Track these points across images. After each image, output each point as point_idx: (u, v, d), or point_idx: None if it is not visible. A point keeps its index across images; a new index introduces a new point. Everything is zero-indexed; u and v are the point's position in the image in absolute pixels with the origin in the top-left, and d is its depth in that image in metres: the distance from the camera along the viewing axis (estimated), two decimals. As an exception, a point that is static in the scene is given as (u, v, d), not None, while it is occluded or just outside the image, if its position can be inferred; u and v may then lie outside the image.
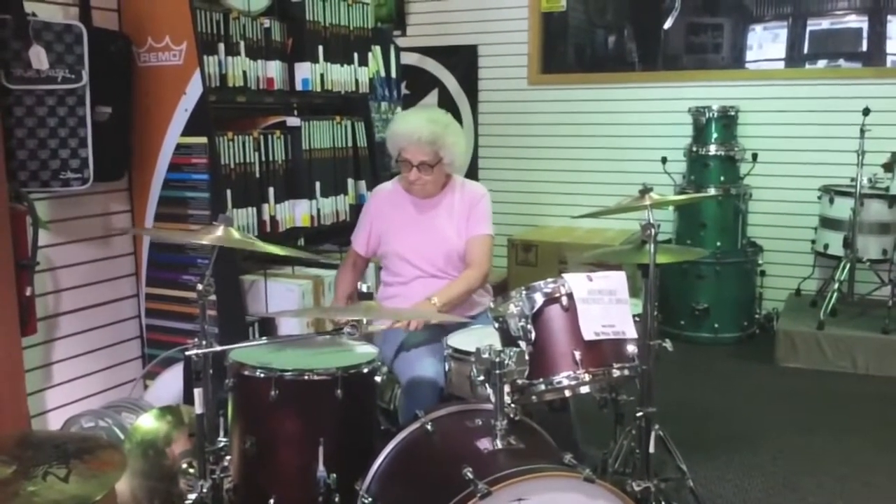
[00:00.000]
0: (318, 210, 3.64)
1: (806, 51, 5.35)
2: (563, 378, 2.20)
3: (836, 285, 4.62)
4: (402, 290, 3.04)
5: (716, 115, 5.01)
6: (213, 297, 2.22)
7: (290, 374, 2.27)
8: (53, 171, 2.87)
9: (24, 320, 2.78)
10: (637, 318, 2.34)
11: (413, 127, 2.95)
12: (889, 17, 5.11)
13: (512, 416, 2.10)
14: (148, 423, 2.75)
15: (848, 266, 4.60)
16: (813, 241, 4.92)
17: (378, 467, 2.20)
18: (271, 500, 2.26)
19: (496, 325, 2.32)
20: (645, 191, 2.66)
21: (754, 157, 5.00)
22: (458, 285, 2.95)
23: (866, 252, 4.60)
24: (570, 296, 2.22)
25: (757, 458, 3.44)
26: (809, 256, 5.04)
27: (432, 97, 5.98)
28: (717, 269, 4.95)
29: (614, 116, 5.56)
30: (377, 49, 4.50)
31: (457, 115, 5.68)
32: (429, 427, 2.20)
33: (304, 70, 3.56)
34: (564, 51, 5.96)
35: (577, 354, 2.19)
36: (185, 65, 3.12)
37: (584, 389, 2.26)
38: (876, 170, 4.49)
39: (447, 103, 5.87)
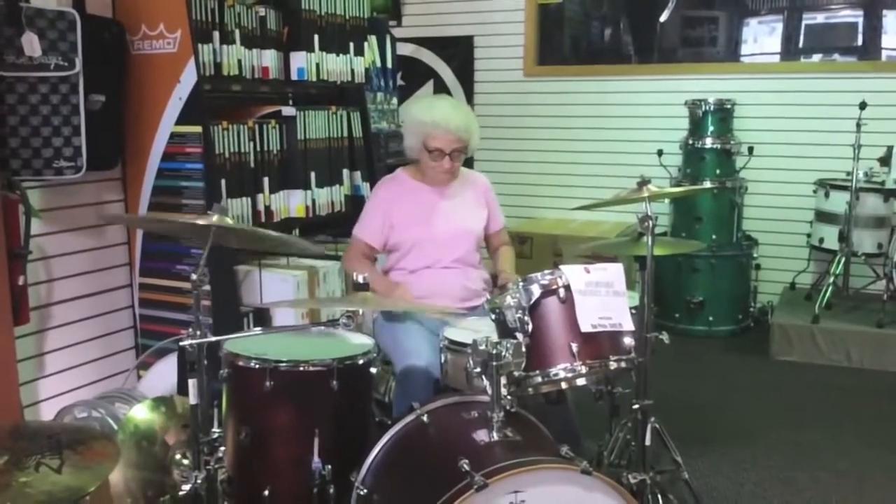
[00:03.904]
0: (314, 200, 3.62)
1: (801, 45, 5.35)
2: (559, 370, 2.19)
3: (831, 279, 4.63)
4: (409, 278, 3.01)
5: (712, 108, 5.01)
6: (207, 288, 2.21)
7: (284, 364, 2.26)
8: (46, 159, 2.84)
9: (17, 310, 2.76)
10: (633, 311, 2.32)
11: (446, 115, 2.93)
12: (884, 12, 5.11)
13: (508, 408, 2.09)
14: (142, 413, 2.73)
15: (843, 260, 4.60)
16: (808, 235, 4.92)
17: (373, 459, 2.19)
18: (266, 492, 2.24)
19: (493, 316, 2.31)
20: (643, 183, 2.64)
21: (750, 150, 5.00)
22: (511, 254, 3.19)
23: (861, 246, 4.60)
24: (567, 287, 2.21)
25: (751, 451, 3.45)
26: (804, 250, 5.04)
27: (427, 88, 5.96)
28: (712, 263, 4.94)
29: (610, 109, 5.55)
30: (373, 39, 4.48)
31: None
32: (424, 419, 2.19)
33: (299, 59, 3.54)
34: (560, 43, 5.95)
35: (574, 346, 2.18)
36: (179, 53, 3.09)
37: (581, 382, 2.25)
38: (872, 164, 4.50)
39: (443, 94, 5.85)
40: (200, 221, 2.18)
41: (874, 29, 5.15)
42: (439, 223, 3.02)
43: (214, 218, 2.19)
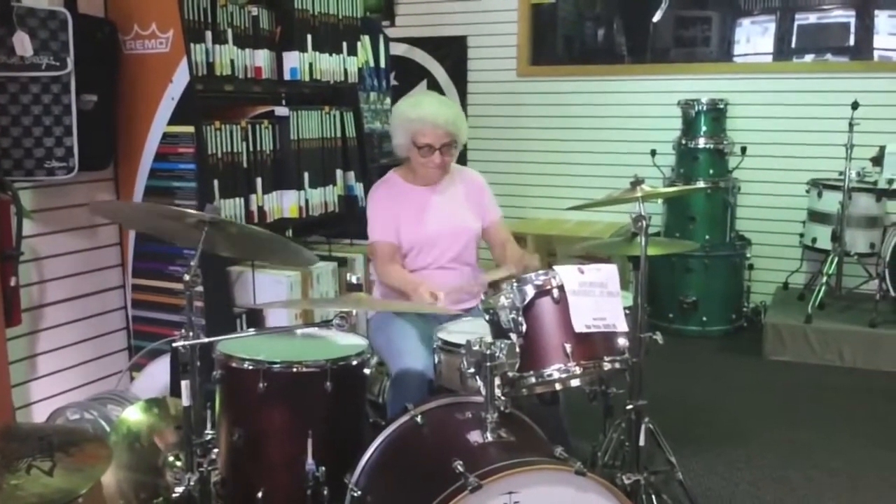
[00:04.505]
0: (307, 201, 3.61)
1: (794, 45, 5.36)
2: (553, 371, 2.18)
3: (824, 279, 4.63)
4: (422, 277, 2.99)
5: (705, 108, 5.01)
6: (200, 289, 2.20)
7: (278, 366, 2.25)
8: (38, 159, 2.83)
9: (9, 311, 2.74)
10: (627, 311, 2.32)
11: (433, 110, 2.93)
12: (876, 12, 5.12)
13: (502, 408, 2.09)
14: (134, 415, 2.72)
15: (836, 260, 4.61)
16: (801, 235, 4.93)
17: (367, 460, 2.18)
18: (259, 493, 2.24)
19: (487, 317, 2.30)
20: (636, 182, 2.64)
21: (743, 150, 5.00)
22: (518, 249, 3.12)
23: (854, 246, 4.61)
24: (561, 288, 2.20)
25: (745, 450, 3.45)
26: (797, 250, 5.05)
27: (421, 88, 5.95)
28: (705, 263, 4.95)
29: (603, 109, 5.55)
30: (366, 39, 4.46)
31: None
32: (418, 420, 2.18)
33: (292, 59, 3.53)
34: (554, 43, 5.95)
35: (568, 347, 2.17)
36: (171, 52, 3.08)
37: (575, 382, 2.24)
38: (864, 163, 4.51)
39: (436, 94, 5.84)
40: (192, 221, 2.17)
41: (866, 29, 5.16)
42: (433, 221, 3.02)
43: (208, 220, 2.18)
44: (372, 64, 4.61)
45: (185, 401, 2.14)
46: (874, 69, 5.02)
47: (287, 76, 3.54)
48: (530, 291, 2.21)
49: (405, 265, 3.03)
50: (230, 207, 3.26)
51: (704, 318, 5.01)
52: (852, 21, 5.21)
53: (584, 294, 2.22)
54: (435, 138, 2.93)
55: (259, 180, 3.40)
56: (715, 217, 5.02)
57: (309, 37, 3.59)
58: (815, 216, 4.77)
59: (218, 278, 3.12)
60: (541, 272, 2.24)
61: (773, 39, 5.39)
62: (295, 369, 2.26)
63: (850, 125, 4.47)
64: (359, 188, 3.84)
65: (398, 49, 5.74)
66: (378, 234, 3.01)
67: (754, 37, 5.46)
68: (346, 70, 3.84)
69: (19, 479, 1.61)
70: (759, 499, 3.07)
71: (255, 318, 3.26)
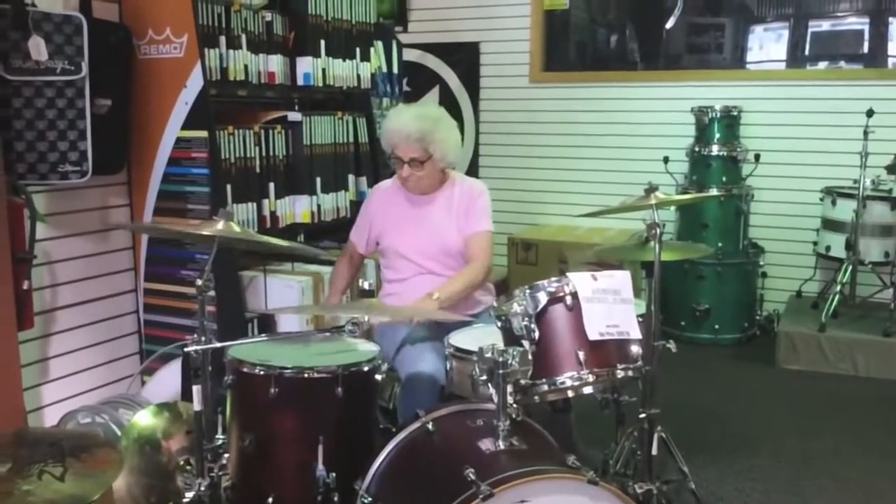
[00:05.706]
0: (319, 206, 3.62)
1: (808, 52, 5.34)
2: (566, 378, 2.17)
3: (838, 287, 4.60)
4: (401, 287, 3.01)
5: (718, 115, 4.99)
6: (212, 293, 2.20)
7: (289, 371, 2.25)
8: (52, 163, 2.84)
9: (21, 314, 2.76)
10: (639, 319, 2.30)
11: (401, 124, 2.93)
12: (891, 19, 5.09)
13: (514, 416, 2.08)
14: (145, 419, 2.72)
15: (850, 268, 4.57)
16: (815, 243, 4.90)
17: (378, 467, 2.17)
18: (270, 499, 2.23)
19: (499, 324, 2.29)
20: (650, 189, 2.63)
21: (756, 157, 4.97)
22: (460, 280, 2.93)
23: (868, 254, 4.57)
24: (574, 295, 2.19)
25: (758, 460, 3.42)
26: (811, 258, 5.02)
27: (433, 94, 5.95)
28: (718, 270, 4.92)
29: (616, 115, 5.53)
30: (379, 44, 4.47)
31: (457, 113, 5.67)
32: (430, 426, 2.17)
33: (305, 64, 3.53)
34: (566, 49, 5.94)
35: (581, 354, 2.16)
36: (185, 57, 3.09)
37: (588, 390, 2.23)
38: (879, 172, 4.47)
39: (448, 100, 5.84)
40: (206, 231, 2.17)
41: (880, 36, 5.14)
42: (416, 231, 3.02)
43: (220, 224, 2.18)
44: (385, 70, 4.61)
45: (197, 405, 2.14)
46: (888, 77, 4.99)
47: (300, 81, 3.54)
48: (543, 298, 2.20)
49: (392, 276, 3.06)
50: (243, 212, 3.26)
51: (717, 326, 4.98)
52: (866, 28, 5.18)
53: (597, 301, 2.20)
54: (403, 151, 2.94)
55: (272, 185, 3.40)
56: (728, 224, 4.99)
57: (322, 42, 3.60)
58: (829, 224, 4.73)
59: (230, 283, 3.13)
60: (553, 279, 2.23)
61: (787, 46, 5.38)
62: (306, 375, 2.26)
63: (865, 133, 4.43)
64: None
65: (411, 55, 5.73)
66: (353, 233, 3.20)
67: (768, 44, 5.45)
68: (358, 76, 3.84)
69: (31, 485, 1.61)
70: (772, 509, 3.05)
71: (267, 323, 3.26)
